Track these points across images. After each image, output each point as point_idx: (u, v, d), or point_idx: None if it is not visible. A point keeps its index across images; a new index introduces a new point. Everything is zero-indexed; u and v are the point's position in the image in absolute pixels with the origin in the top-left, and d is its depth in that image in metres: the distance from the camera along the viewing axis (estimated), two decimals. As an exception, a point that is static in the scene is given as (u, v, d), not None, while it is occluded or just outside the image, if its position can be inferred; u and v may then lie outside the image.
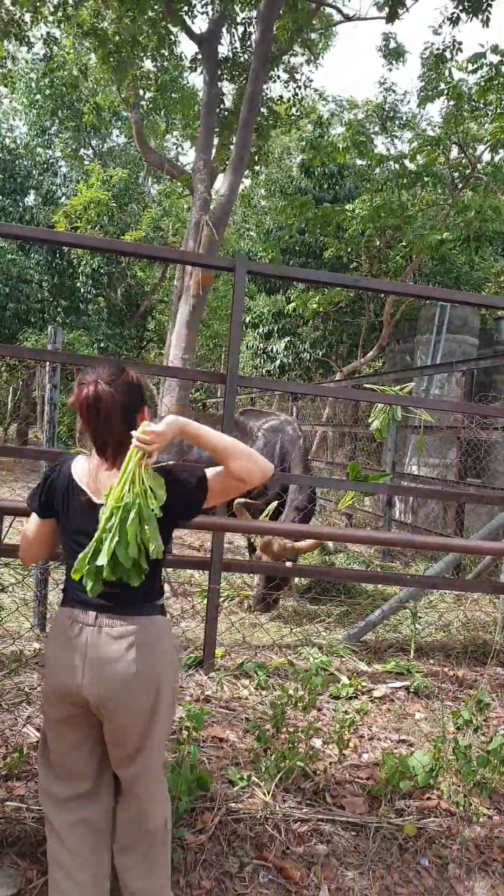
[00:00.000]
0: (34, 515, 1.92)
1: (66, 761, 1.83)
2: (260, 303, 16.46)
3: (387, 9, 8.66)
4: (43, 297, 16.37)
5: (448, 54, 10.03)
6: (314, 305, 13.34)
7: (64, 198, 16.71)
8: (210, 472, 1.88)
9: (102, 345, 16.51)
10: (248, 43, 10.72)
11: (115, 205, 15.02)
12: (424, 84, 12.18)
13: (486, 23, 8.34)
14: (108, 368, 1.79)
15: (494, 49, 9.78)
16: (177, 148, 18.66)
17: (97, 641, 1.74)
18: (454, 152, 12.13)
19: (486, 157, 11.80)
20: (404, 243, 12.00)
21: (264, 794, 2.56)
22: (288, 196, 14.45)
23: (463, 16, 8.67)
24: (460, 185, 12.21)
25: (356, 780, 2.82)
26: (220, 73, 10.15)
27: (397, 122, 13.42)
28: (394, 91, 13.73)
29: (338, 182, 14.98)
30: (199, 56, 10.03)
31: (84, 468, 1.84)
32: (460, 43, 9.98)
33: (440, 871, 2.42)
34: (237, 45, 10.81)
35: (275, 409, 16.08)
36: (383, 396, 3.54)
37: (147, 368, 4.34)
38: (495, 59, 9.83)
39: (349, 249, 12.99)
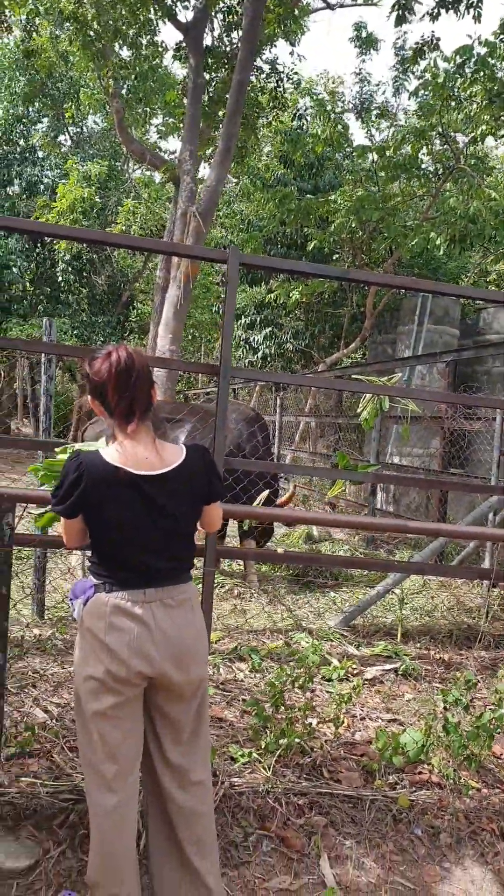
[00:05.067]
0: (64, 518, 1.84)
1: (122, 750, 1.79)
2: (240, 295, 16.46)
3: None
4: (24, 286, 16.22)
5: (426, 49, 10.09)
6: (296, 296, 13.37)
7: (44, 188, 16.52)
8: (215, 504, 2.01)
9: (84, 334, 16.40)
10: (233, 32, 10.69)
11: (98, 199, 14.95)
12: (399, 74, 12.29)
13: (477, 18, 8.36)
14: (116, 344, 1.86)
15: (481, 41, 9.87)
16: (159, 137, 18.45)
17: (163, 614, 1.81)
18: (437, 143, 12.23)
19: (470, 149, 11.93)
20: (387, 236, 12.10)
21: (265, 769, 2.67)
22: (269, 188, 14.43)
23: (443, 11, 8.70)
24: (443, 177, 12.32)
25: (351, 756, 2.94)
26: (205, 62, 10.11)
27: (374, 112, 13.45)
28: (368, 82, 13.77)
29: (318, 172, 14.98)
30: (185, 45, 9.98)
31: (111, 452, 1.80)
32: (438, 38, 10.08)
33: (432, 840, 2.55)
34: (222, 34, 10.76)
35: (255, 399, 16.15)
36: (373, 387, 3.64)
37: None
38: (482, 50, 9.93)
39: (332, 240, 13.05)
